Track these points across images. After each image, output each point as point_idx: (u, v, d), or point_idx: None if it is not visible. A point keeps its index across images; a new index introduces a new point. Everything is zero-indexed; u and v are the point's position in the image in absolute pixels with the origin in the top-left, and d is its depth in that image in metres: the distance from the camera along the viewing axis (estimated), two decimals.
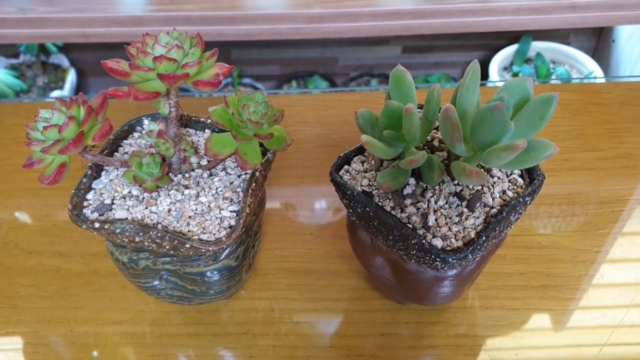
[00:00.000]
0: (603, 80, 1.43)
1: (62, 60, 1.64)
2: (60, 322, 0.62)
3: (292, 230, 0.70)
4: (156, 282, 0.56)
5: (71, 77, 1.61)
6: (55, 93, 1.53)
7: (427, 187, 0.52)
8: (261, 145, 0.52)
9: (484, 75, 1.57)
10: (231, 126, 0.50)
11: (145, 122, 0.59)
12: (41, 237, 0.70)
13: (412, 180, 0.53)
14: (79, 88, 1.66)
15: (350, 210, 0.54)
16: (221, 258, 0.53)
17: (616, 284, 0.66)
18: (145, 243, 0.50)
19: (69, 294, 0.65)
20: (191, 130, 0.60)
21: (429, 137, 0.56)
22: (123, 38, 1.14)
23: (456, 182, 0.53)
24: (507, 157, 0.48)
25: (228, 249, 0.52)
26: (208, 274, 0.54)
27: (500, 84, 1.52)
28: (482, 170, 0.46)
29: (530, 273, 0.66)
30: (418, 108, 0.53)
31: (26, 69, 1.61)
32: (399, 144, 0.51)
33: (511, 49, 1.64)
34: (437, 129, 0.57)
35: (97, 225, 0.50)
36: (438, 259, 0.48)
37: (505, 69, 1.63)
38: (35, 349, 0.60)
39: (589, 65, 1.56)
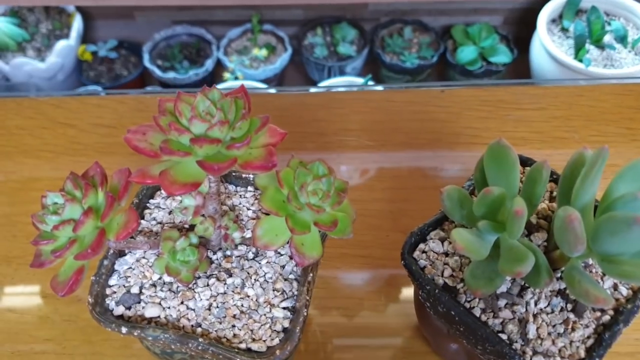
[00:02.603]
0: None
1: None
2: None
3: (340, 274, 0.62)
4: None
5: (77, 23, 1.46)
6: (61, 43, 1.39)
7: (525, 284, 0.43)
8: None
9: (532, 26, 1.42)
10: (286, 213, 0.40)
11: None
12: None
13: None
14: (86, 35, 1.52)
15: (428, 304, 0.45)
16: None
17: None
18: (183, 350, 0.42)
19: (91, 352, 0.57)
20: (230, 187, 0.49)
21: None
22: None
23: (559, 275, 0.43)
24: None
25: (287, 352, 0.44)
26: None
27: (546, 39, 1.37)
28: (609, 295, 0.36)
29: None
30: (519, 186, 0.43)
31: (28, 13, 1.47)
32: (496, 234, 0.41)
33: None
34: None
35: (124, 330, 0.41)
36: None
37: (554, 21, 1.47)
38: None
39: None
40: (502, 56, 1.48)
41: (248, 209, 0.48)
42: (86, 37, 1.53)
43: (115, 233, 0.38)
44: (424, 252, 0.45)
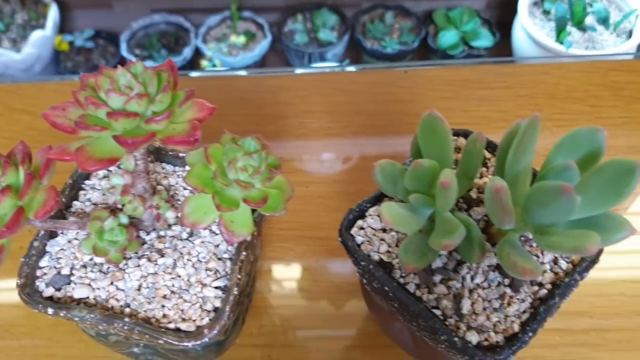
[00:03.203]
0: None
1: None
2: None
3: (295, 256, 0.61)
4: (134, 349, 0.47)
5: (53, 12, 1.45)
6: (37, 34, 1.38)
7: (461, 258, 0.42)
8: None
9: (514, 10, 1.40)
10: (213, 190, 0.39)
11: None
12: None
13: (443, 251, 0.42)
14: (62, 25, 1.50)
15: (365, 280, 0.44)
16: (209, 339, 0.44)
17: None
18: (111, 331, 0.41)
19: (39, 336, 0.56)
20: (168, 167, 0.48)
21: None
22: None
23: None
24: (571, 254, 0.37)
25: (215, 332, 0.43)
26: (191, 351, 0.45)
27: (527, 22, 1.35)
28: (538, 266, 0.35)
29: (570, 313, 0.57)
30: (454, 164, 0.42)
31: (3, 4, 1.46)
32: (429, 208, 0.40)
33: None
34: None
35: (51, 311, 0.40)
36: (473, 359, 0.39)
37: (536, 4, 1.45)
38: None
39: (632, 2, 1.38)
40: (484, 40, 1.47)
41: (185, 189, 0.47)
42: (64, 28, 1.52)
43: (35, 211, 0.37)
44: (362, 228, 0.45)
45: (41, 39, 1.40)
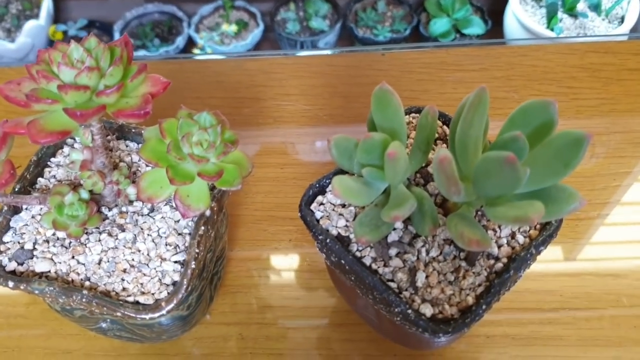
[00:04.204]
0: None
1: None
2: (2, 352, 0.55)
3: (267, 236, 0.61)
4: (102, 324, 0.48)
5: (47, 2, 1.45)
6: (30, 23, 1.39)
7: (417, 233, 0.42)
8: None
9: None
10: (167, 164, 0.40)
11: (78, 140, 0.49)
12: None
13: (399, 224, 0.42)
14: (56, 15, 1.51)
15: (324, 254, 0.44)
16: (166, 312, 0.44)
17: None
18: (72, 304, 0.41)
19: (13, 314, 0.57)
20: (132, 145, 0.49)
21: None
22: None
23: None
24: (516, 224, 0.38)
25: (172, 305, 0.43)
26: (155, 325, 0.45)
27: (518, 8, 1.35)
28: (486, 236, 0.36)
29: (542, 292, 0.57)
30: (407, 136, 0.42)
31: None
32: (383, 182, 0.41)
33: None
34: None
35: (11, 284, 0.41)
36: (427, 332, 0.39)
37: None
38: None
39: None
40: (476, 27, 1.46)
41: (147, 166, 0.47)
42: (58, 18, 1.53)
43: None
44: (321, 204, 0.45)
45: (35, 29, 1.41)
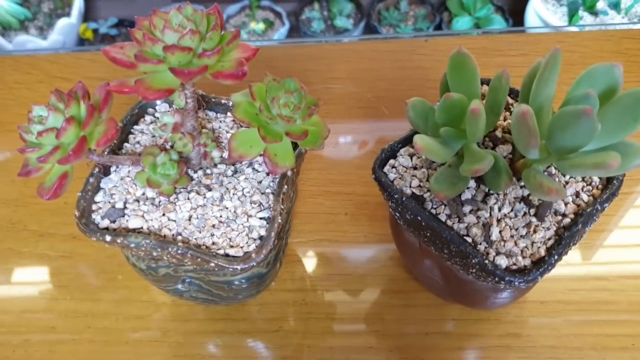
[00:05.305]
0: None
1: None
2: (77, 317, 0.57)
3: (325, 210, 0.64)
4: (179, 286, 0.51)
5: (78, 1, 1.49)
6: (62, 21, 1.42)
7: (489, 191, 0.45)
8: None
9: None
10: (259, 124, 0.42)
11: (159, 109, 0.51)
12: (52, 217, 0.64)
13: (472, 183, 0.45)
14: (87, 14, 1.55)
15: (397, 214, 0.47)
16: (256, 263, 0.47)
17: None
18: (165, 258, 0.44)
19: (85, 283, 0.60)
20: (211, 114, 0.52)
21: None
22: None
23: (523, 183, 0.45)
24: (593, 173, 0.40)
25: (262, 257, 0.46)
26: (235, 282, 0.48)
27: (539, 6, 1.38)
28: (561, 186, 0.38)
29: (591, 262, 0.59)
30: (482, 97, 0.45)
31: None
32: (459, 141, 0.43)
33: None
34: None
35: (108, 238, 0.43)
36: (503, 281, 0.41)
37: None
38: (51, 347, 0.56)
39: None
40: (498, 26, 1.49)
41: (227, 132, 0.50)
42: (88, 16, 1.56)
43: (97, 140, 0.41)
44: (393, 167, 0.48)
45: (66, 27, 1.44)
